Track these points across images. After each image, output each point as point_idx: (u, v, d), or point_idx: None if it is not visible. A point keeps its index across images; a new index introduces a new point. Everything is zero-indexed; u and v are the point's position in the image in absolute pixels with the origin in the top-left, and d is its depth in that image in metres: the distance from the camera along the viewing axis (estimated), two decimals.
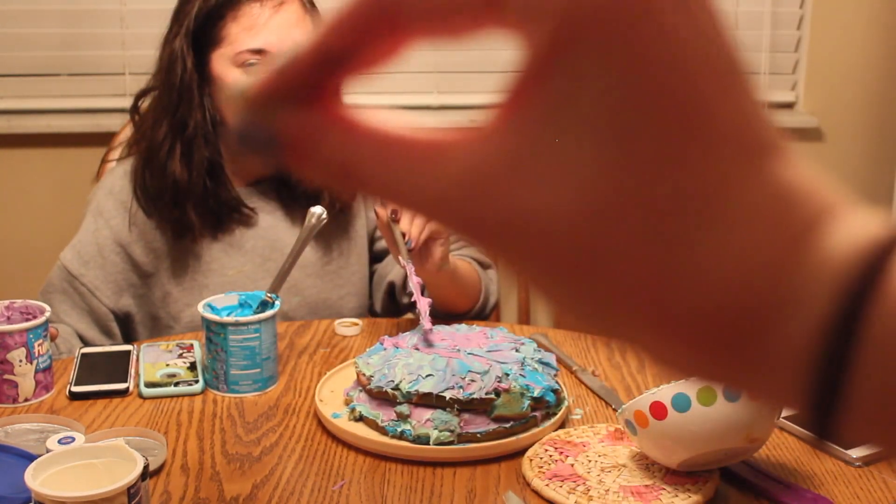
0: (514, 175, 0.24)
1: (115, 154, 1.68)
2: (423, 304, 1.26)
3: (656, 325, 0.25)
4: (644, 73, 0.23)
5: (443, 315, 1.53)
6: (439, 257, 1.36)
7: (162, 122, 1.46)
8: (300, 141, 0.27)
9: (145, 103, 1.54)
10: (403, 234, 1.31)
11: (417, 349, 1.17)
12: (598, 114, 0.23)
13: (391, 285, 1.60)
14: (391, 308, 1.63)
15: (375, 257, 1.65)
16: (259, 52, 1.42)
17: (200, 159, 1.45)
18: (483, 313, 1.57)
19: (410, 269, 1.30)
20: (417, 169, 0.25)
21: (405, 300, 1.58)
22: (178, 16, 1.47)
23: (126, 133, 1.66)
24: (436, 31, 0.25)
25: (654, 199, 0.24)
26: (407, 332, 1.24)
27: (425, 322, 1.23)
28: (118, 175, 1.52)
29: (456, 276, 1.45)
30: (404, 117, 0.27)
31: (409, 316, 1.61)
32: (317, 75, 0.27)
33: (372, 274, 1.65)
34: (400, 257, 1.32)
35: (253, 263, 1.53)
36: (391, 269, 1.60)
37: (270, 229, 1.55)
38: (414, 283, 1.29)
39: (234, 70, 1.44)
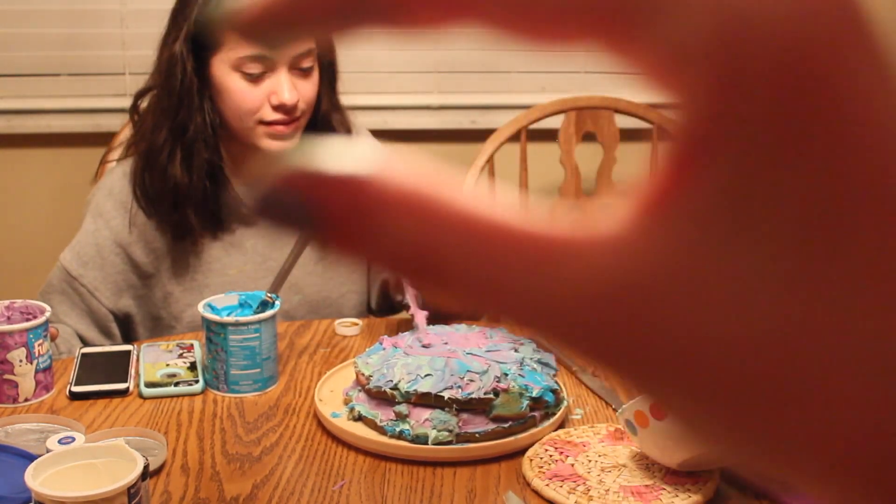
0: (670, 290, 0.18)
1: (115, 154, 1.68)
2: (420, 317, 1.27)
3: (852, 469, 0.19)
4: (860, 161, 0.17)
5: (439, 314, 1.53)
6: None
7: (162, 125, 1.46)
8: (351, 217, 0.20)
9: (144, 103, 1.54)
10: None
11: (411, 348, 1.17)
12: (796, 208, 0.17)
13: (385, 283, 1.60)
14: (385, 305, 1.64)
15: None
16: (258, 57, 1.42)
17: (200, 162, 1.45)
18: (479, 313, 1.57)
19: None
20: (531, 271, 0.19)
21: (398, 297, 1.59)
22: (177, 19, 1.46)
23: (126, 133, 1.66)
24: (507, 25, 0.20)
25: (883, 325, 0.18)
26: (406, 333, 1.25)
27: (423, 336, 1.23)
28: (118, 176, 1.52)
29: None
30: (489, 195, 0.20)
31: (405, 315, 1.61)
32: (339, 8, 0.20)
33: (369, 269, 1.66)
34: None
35: (254, 263, 1.53)
36: None
37: (270, 229, 1.55)
38: (411, 294, 1.30)
39: (233, 75, 1.44)
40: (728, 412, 0.19)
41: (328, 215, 0.20)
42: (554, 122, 2.02)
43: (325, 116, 1.53)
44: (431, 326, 1.25)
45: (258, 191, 0.20)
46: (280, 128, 1.46)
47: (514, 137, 1.99)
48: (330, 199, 0.20)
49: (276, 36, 0.21)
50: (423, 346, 1.18)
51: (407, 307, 1.32)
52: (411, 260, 0.20)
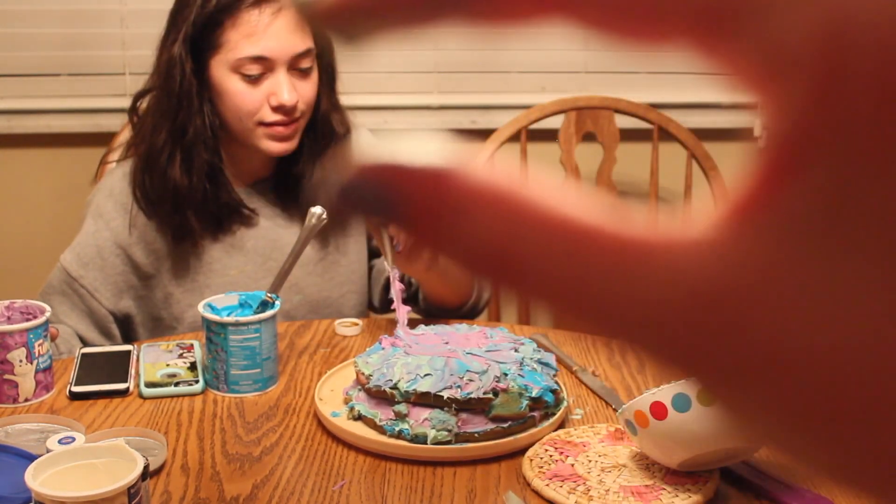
0: (761, 298, 0.18)
1: (115, 155, 1.68)
2: (402, 313, 1.28)
3: None
4: None
5: (436, 310, 1.54)
6: (427, 258, 1.37)
7: (161, 127, 1.46)
8: (434, 210, 0.20)
9: (143, 104, 1.54)
10: (392, 237, 1.32)
11: (411, 347, 1.17)
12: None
13: (388, 280, 1.61)
14: (388, 302, 1.64)
15: (373, 253, 1.66)
16: (258, 58, 1.42)
17: (200, 164, 1.45)
18: (476, 309, 1.59)
19: (395, 274, 1.31)
20: (615, 273, 0.18)
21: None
22: (176, 21, 1.46)
23: (126, 134, 1.66)
24: (598, 23, 0.19)
25: None
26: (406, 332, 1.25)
27: (402, 330, 1.24)
28: (118, 177, 1.52)
29: (447, 275, 1.46)
30: (574, 194, 0.20)
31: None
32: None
33: (371, 269, 1.66)
34: (386, 262, 1.33)
35: (254, 263, 1.53)
36: None
37: (271, 229, 1.55)
38: (396, 290, 1.31)
39: (232, 76, 1.44)
40: (814, 426, 0.18)
41: (412, 206, 0.20)
42: (554, 122, 2.02)
43: (324, 117, 1.53)
44: (431, 326, 1.25)
45: (342, 179, 0.20)
46: (280, 129, 1.46)
47: (514, 137, 1.99)
48: (415, 191, 0.20)
49: (359, 26, 0.20)
50: (406, 343, 1.18)
51: (391, 301, 1.33)
52: (491, 256, 0.19)
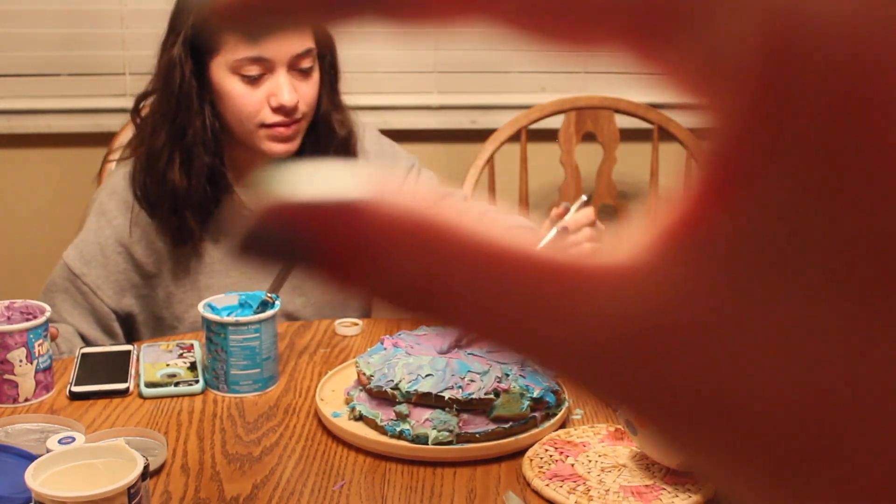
0: (695, 328, 0.16)
1: (116, 155, 1.68)
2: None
3: None
4: None
5: None
6: None
7: (161, 129, 1.45)
8: (346, 248, 0.18)
9: (145, 107, 1.54)
10: None
11: (412, 347, 1.17)
12: (851, 246, 0.15)
13: None
14: None
15: None
16: (257, 59, 1.42)
17: (200, 167, 1.45)
18: None
19: None
20: (542, 302, 0.17)
21: None
22: (175, 23, 1.46)
23: (126, 133, 1.66)
24: (525, 25, 0.17)
25: None
26: (417, 331, 1.24)
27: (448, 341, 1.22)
28: (121, 175, 1.52)
29: None
30: (496, 220, 0.18)
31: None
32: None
33: None
34: None
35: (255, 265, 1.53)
36: None
37: None
38: None
39: (232, 77, 1.44)
40: (753, 459, 0.17)
41: (320, 248, 0.18)
42: (554, 122, 2.02)
43: (325, 117, 1.52)
44: (432, 326, 1.25)
45: (242, 228, 0.18)
46: (281, 130, 1.45)
47: (514, 137, 1.99)
48: (321, 230, 0.18)
49: (264, 25, 0.19)
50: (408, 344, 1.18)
51: None
52: (413, 291, 0.18)
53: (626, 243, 0.17)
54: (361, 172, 0.18)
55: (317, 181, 0.18)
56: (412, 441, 1.08)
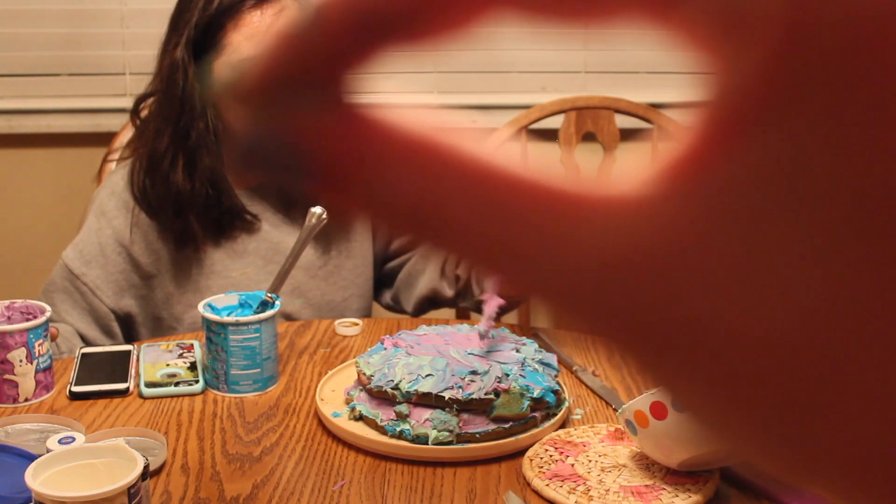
0: (694, 263, 0.16)
1: (116, 155, 1.68)
2: (492, 306, 1.23)
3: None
4: None
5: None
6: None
7: (164, 132, 1.45)
8: (348, 165, 0.18)
9: (145, 108, 1.54)
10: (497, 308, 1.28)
11: (412, 347, 1.17)
12: (855, 191, 0.15)
13: (434, 291, 1.58)
14: (424, 310, 1.62)
15: (393, 255, 1.65)
16: None
17: (203, 169, 1.45)
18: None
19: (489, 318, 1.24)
20: (542, 228, 0.17)
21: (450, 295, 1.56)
22: (177, 25, 1.46)
23: (126, 134, 1.66)
24: (539, 10, 0.17)
25: None
26: (417, 330, 1.24)
27: (484, 324, 1.21)
28: (120, 176, 1.52)
29: None
30: (500, 148, 0.18)
31: (401, 315, 1.61)
32: (354, 39, 0.18)
33: (386, 273, 1.66)
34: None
35: (256, 266, 1.53)
36: (423, 269, 1.59)
37: (272, 231, 1.55)
38: (489, 289, 1.28)
39: None
40: (747, 404, 0.17)
41: (323, 162, 0.18)
42: (554, 122, 2.02)
43: None
44: (433, 326, 1.25)
45: (248, 137, 0.18)
46: None
47: (514, 137, 1.99)
48: (325, 145, 0.18)
49: (292, 95, 0.18)
50: (481, 338, 1.16)
51: (479, 295, 1.29)
52: (408, 210, 0.18)
53: (629, 176, 0.17)
54: (367, 95, 0.19)
55: (322, 99, 0.18)
56: (412, 441, 1.08)
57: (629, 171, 0.17)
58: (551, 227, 0.17)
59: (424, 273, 1.59)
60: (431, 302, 1.60)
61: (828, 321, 0.16)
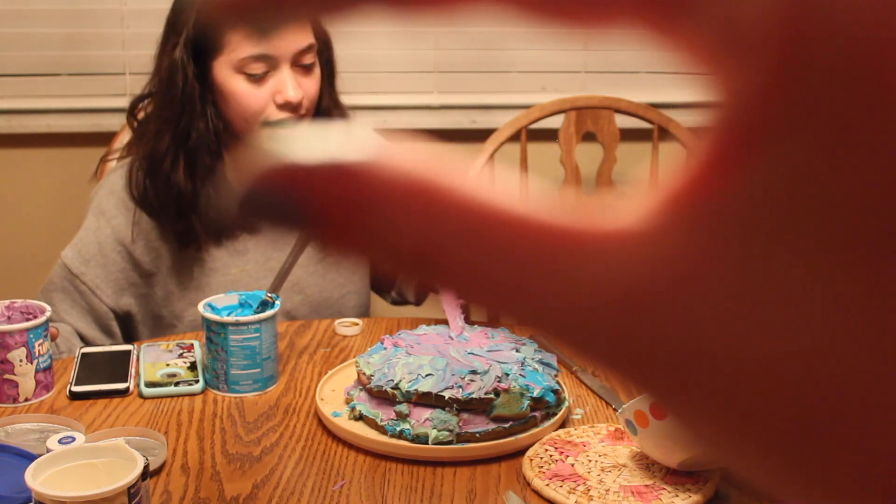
0: (697, 295, 0.16)
1: (114, 157, 1.68)
2: (454, 312, 1.28)
3: None
4: None
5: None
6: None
7: (164, 133, 1.45)
8: (344, 210, 0.18)
9: (142, 109, 1.54)
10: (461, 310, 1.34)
11: (412, 347, 1.17)
12: (860, 218, 0.15)
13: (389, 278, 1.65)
14: (402, 303, 1.69)
15: None
16: (261, 57, 1.42)
17: (204, 169, 1.46)
18: None
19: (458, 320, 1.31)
20: (541, 265, 0.17)
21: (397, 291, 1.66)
22: (175, 25, 1.46)
23: (126, 134, 1.66)
24: (535, 8, 0.17)
25: None
26: (416, 330, 1.24)
27: (454, 329, 1.24)
28: (119, 175, 1.52)
29: None
30: (496, 185, 0.18)
31: (406, 314, 1.62)
32: None
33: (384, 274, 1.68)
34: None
35: (255, 263, 1.53)
36: None
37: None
38: (443, 295, 1.32)
39: (236, 77, 1.44)
40: (753, 433, 0.17)
41: (319, 209, 0.18)
42: (554, 122, 2.02)
43: (326, 112, 1.53)
44: (433, 326, 1.25)
45: (243, 187, 0.18)
46: None
47: (514, 137, 1.99)
48: (320, 192, 0.18)
49: (268, 18, 0.19)
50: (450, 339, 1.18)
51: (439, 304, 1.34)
52: (410, 253, 0.18)
53: (628, 208, 0.17)
54: (360, 134, 0.18)
55: (316, 143, 0.18)
56: (412, 441, 1.08)
57: (628, 201, 0.17)
58: (551, 265, 0.17)
59: None
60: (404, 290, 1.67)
61: (833, 346, 0.15)
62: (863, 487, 0.16)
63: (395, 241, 0.18)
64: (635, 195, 0.17)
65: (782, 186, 0.15)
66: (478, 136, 2.15)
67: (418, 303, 1.69)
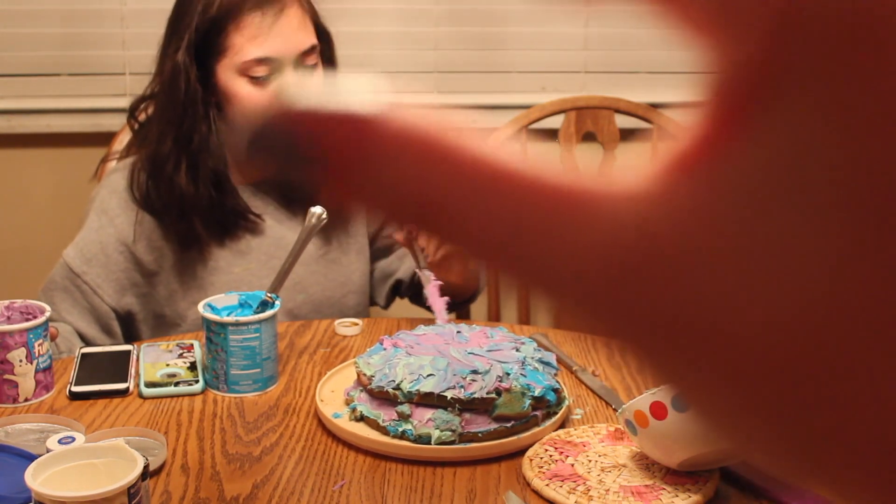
0: (699, 256, 0.16)
1: (114, 157, 1.68)
2: (440, 305, 1.33)
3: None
4: None
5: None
6: (458, 269, 1.44)
7: (167, 135, 1.46)
8: (351, 154, 0.18)
9: (143, 110, 1.54)
10: (422, 249, 1.38)
11: (412, 347, 1.17)
12: (862, 177, 0.15)
13: (398, 282, 1.66)
14: (393, 301, 1.70)
15: (375, 255, 1.68)
16: (265, 59, 1.42)
17: (206, 171, 1.46)
18: (476, 294, 1.64)
19: (428, 278, 1.37)
20: (544, 224, 0.17)
21: (410, 294, 1.67)
22: (177, 28, 1.46)
23: (126, 134, 1.66)
24: None
25: None
26: (413, 330, 1.24)
27: (441, 320, 1.30)
28: (121, 175, 1.52)
29: (466, 273, 1.51)
30: (494, 141, 0.18)
31: (407, 316, 1.62)
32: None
33: (373, 271, 1.68)
34: (417, 268, 1.39)
35: (258, 262, 1.53)
36: (398, 267, 1.66)
37: (275, 227, 1.55)
38: (430, 290, 1.35)
39: (239, 79, 1.44)
40: (753, 398, 0.17)
41: (326, 152, 0.18)
42: (554, 122, 2.02)
43: None
44: (432, 326, 1.25)
45: (255, 125, 0.19)
46: None
47: (514, 137, 1.99)
48: (329, 136, 0.18)
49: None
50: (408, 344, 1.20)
51: (426, 298, 1.38)
52: (413, 205, 0.18)
53: (632, 171, 0.17)
54: (375, 86, 0.19)
55: (329, 92, 0.19)
56: (415, 441, 1.08)
57: (632, 166, 0.17)
58: (555, 223, 0.17)
59: (398, 271, 1.66)
60: (394, 293, 1.68)
61: (833, 309, 0.15)
62: (857, 457, 0.16)
63: (399, 190, 0.18)
64: (639, 160, 0.17)
65: (785, 145, 0.15)
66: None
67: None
